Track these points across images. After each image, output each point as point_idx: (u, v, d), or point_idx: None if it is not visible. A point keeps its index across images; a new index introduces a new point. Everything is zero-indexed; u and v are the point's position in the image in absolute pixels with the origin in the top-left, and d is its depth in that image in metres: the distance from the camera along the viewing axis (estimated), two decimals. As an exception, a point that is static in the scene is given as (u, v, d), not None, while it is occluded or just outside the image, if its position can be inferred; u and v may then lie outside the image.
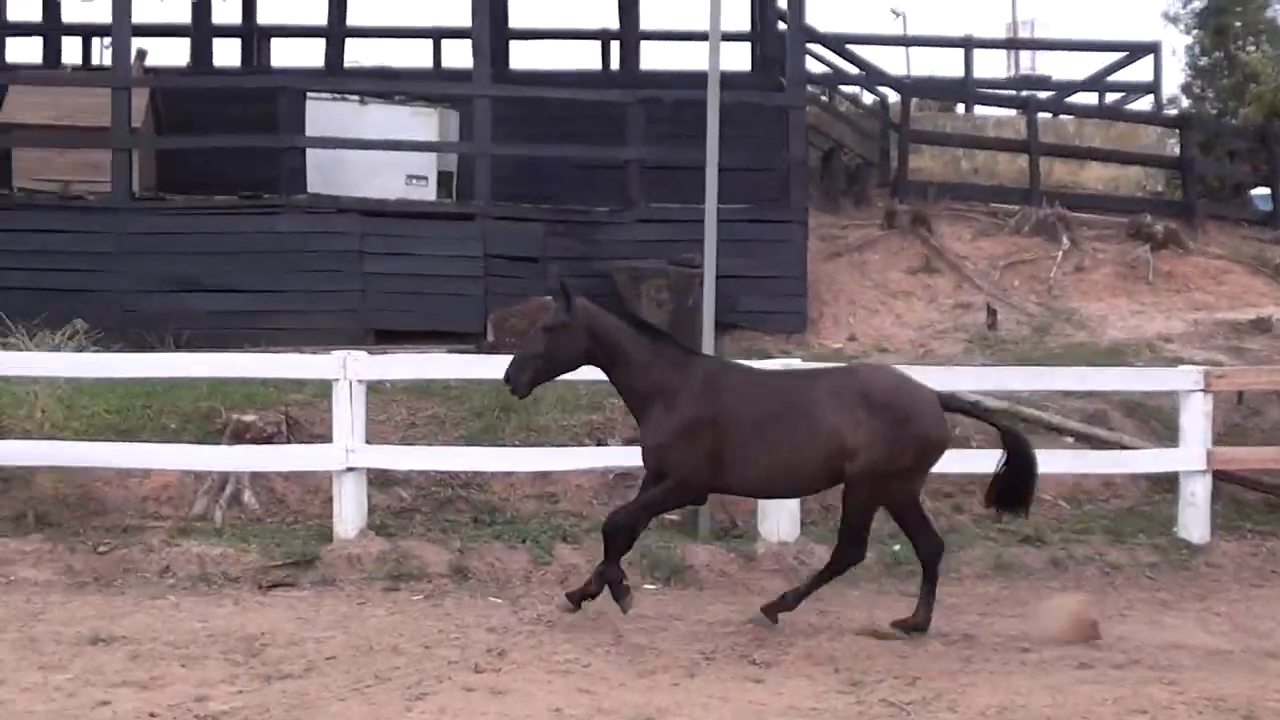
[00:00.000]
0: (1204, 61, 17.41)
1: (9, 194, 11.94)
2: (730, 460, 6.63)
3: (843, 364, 9.15)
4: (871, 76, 16.25)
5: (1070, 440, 9.19)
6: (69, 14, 15.69)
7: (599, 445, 8.80)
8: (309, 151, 11.81)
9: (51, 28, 15.55)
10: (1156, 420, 9.48)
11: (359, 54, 17.40)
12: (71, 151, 11.93)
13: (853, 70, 16.29)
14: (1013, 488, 6.86)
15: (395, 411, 9.19)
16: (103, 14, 12.05)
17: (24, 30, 15.96)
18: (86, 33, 15.54)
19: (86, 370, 8.56)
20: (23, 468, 8.27)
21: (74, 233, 11.34)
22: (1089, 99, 18.06)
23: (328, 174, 11.92)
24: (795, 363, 8.41)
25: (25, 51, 16.18)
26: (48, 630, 6.56)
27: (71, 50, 15.87)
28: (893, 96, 15.58)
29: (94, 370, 8.54)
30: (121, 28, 11.65)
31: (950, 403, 6.94)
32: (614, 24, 16.27)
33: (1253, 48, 16.90)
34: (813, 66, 15.33)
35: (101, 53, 15.36)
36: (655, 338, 6.91)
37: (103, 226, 11.34)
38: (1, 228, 11.30)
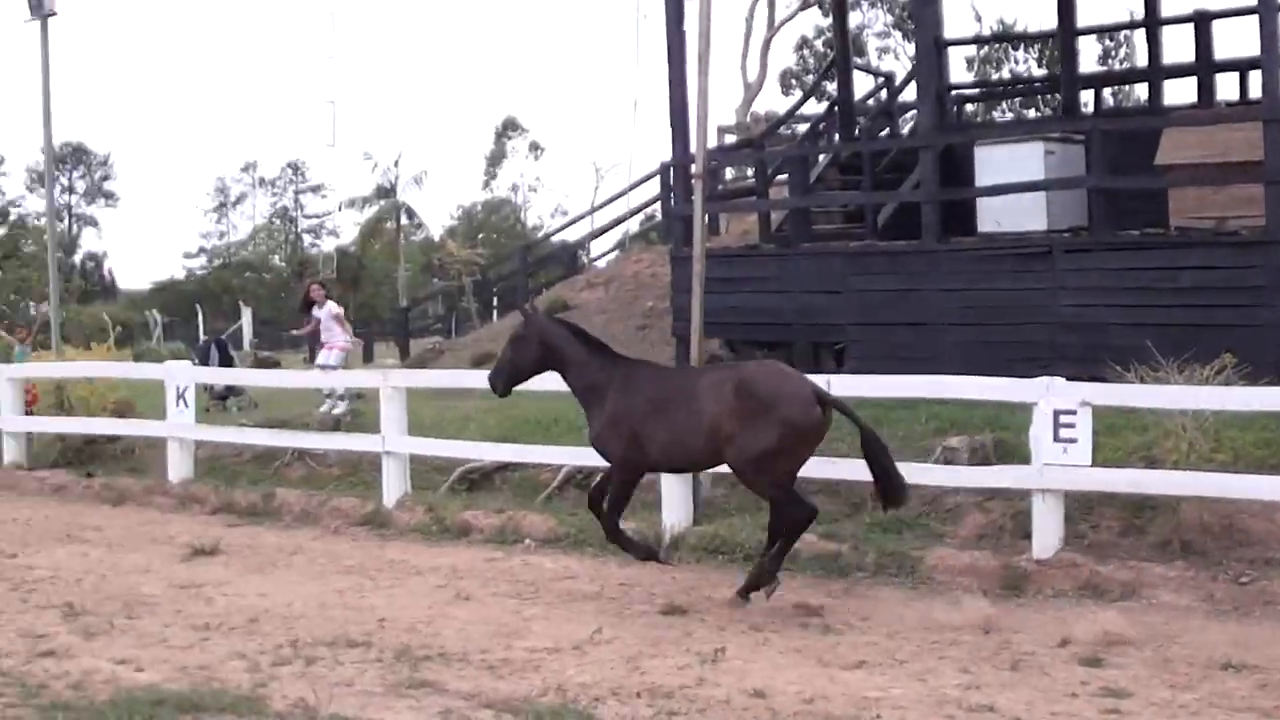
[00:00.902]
0: None
1: (1165, 232, 12.73)
2: (644, 440, 8.44)
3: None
4: None
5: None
6: (1221, 51, 16.15)
7: None
8: None
9: (1204, 66, 16.09)
10: None
11: None
12: (1226, 187, 12.34)
13: None
14: (883, 483, 8.21)
15: None
16: (1255, 48, 12.34)
17: (1179, 72, 16.74)
18: (1240, 68, 15.86)
19: (1231, 403, 8.91)
20: (1170, 496, 8.92)
21: (1227, 268, 11.79)
22: None
23: None
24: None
25: (1181, 93, 16.99)
26: (1182, 653, 7.12)
27: (1227, 86, 16.34)
28: None
29: (1238, 403, 8.88)
30: (1271, 60, 11.88)
31: (825, 397, 8.20)
32: None
33: None
34: None
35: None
36: (592, 346, 8.83)
37: (1256, 261, 11.64)
38: (1157, 265, 12.17)
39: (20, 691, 6.82)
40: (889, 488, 8.26)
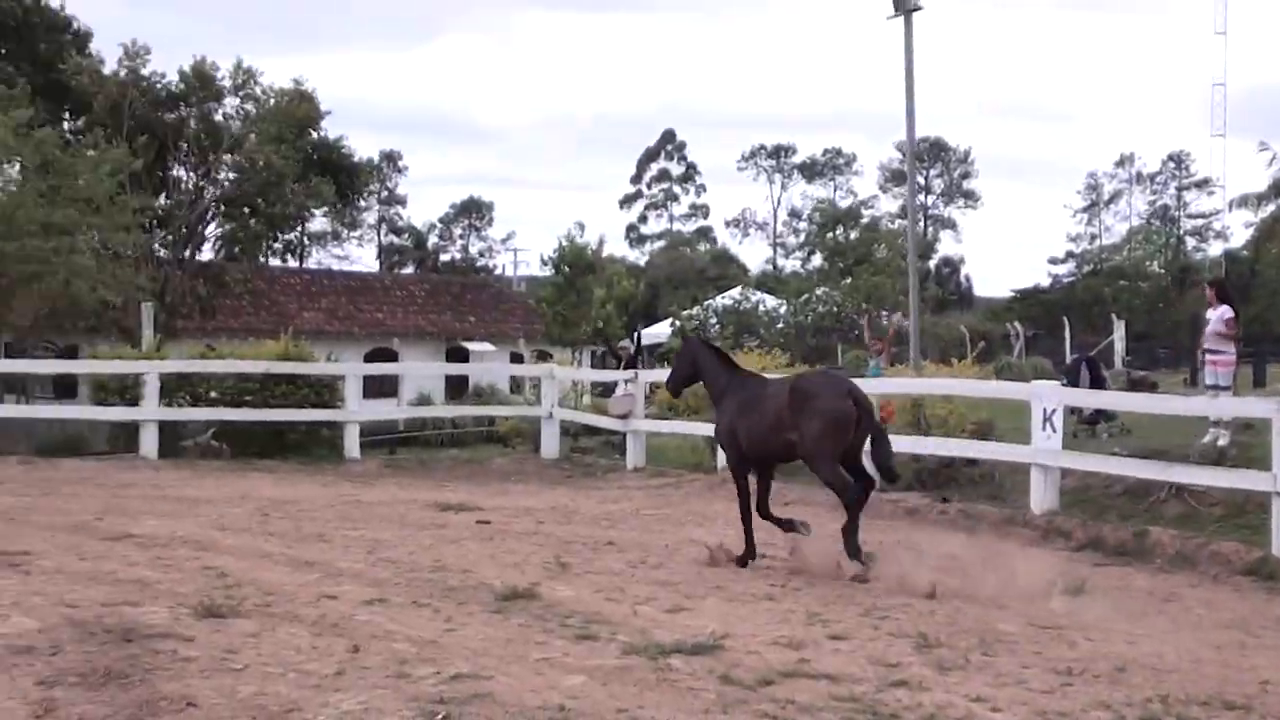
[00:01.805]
0: None
1: None
2: (740, 436, 12.88)
3: None
4: None
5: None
6: None
7: None
8: None
9: None
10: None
11: None
12: None
13: None
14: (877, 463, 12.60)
15: None
16: None
17: None
18: None
19: None
20: None
21: None
22: None
23: None
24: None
25: None
26: None
27: None
28: None
29: None
30: None
31: (856, 394, 12.44)
32: None
33: None
34: None
35: None
36: (722, 361, 13.50)
37: None
38: None
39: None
40: (881, 469, 12.62)
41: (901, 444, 17.70)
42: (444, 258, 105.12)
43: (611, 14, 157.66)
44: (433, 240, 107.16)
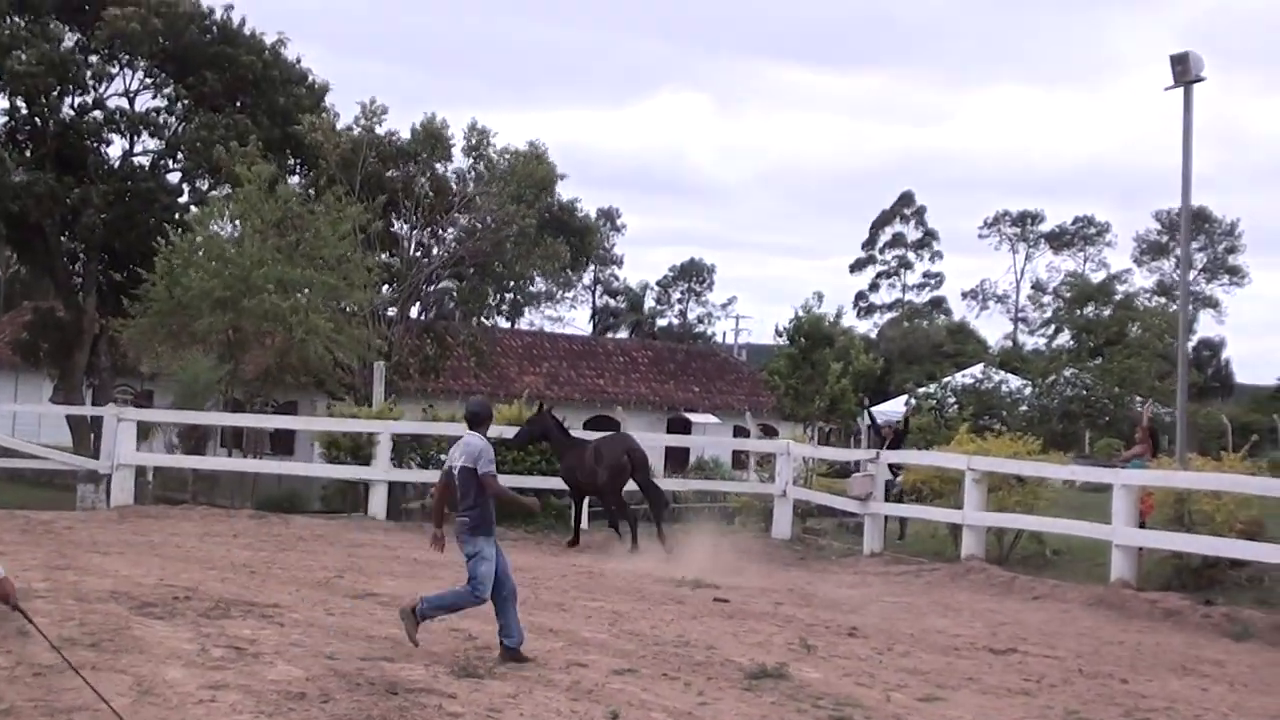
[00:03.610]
0: None
1: None
2: (572, 478, 23.33)
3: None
4: None
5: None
6: None
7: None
8: None
9: None
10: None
11: None
12: None
13: None
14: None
15: None
16: None
17: None
18: None
19: None
20: None
21: None
22: None
23: None
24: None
25: None
26: None
27: None
28: None
29: None
30: None
31: (630, 451, 22.72)
32: None
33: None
34: None
35: None
36: (560, 429, 23.78)
37: None
38: None
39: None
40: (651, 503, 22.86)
41: (1162, 541, 17.87)
42: (660, 322, 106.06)
43: (853, 69, 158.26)
44: (648, 303, 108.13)
